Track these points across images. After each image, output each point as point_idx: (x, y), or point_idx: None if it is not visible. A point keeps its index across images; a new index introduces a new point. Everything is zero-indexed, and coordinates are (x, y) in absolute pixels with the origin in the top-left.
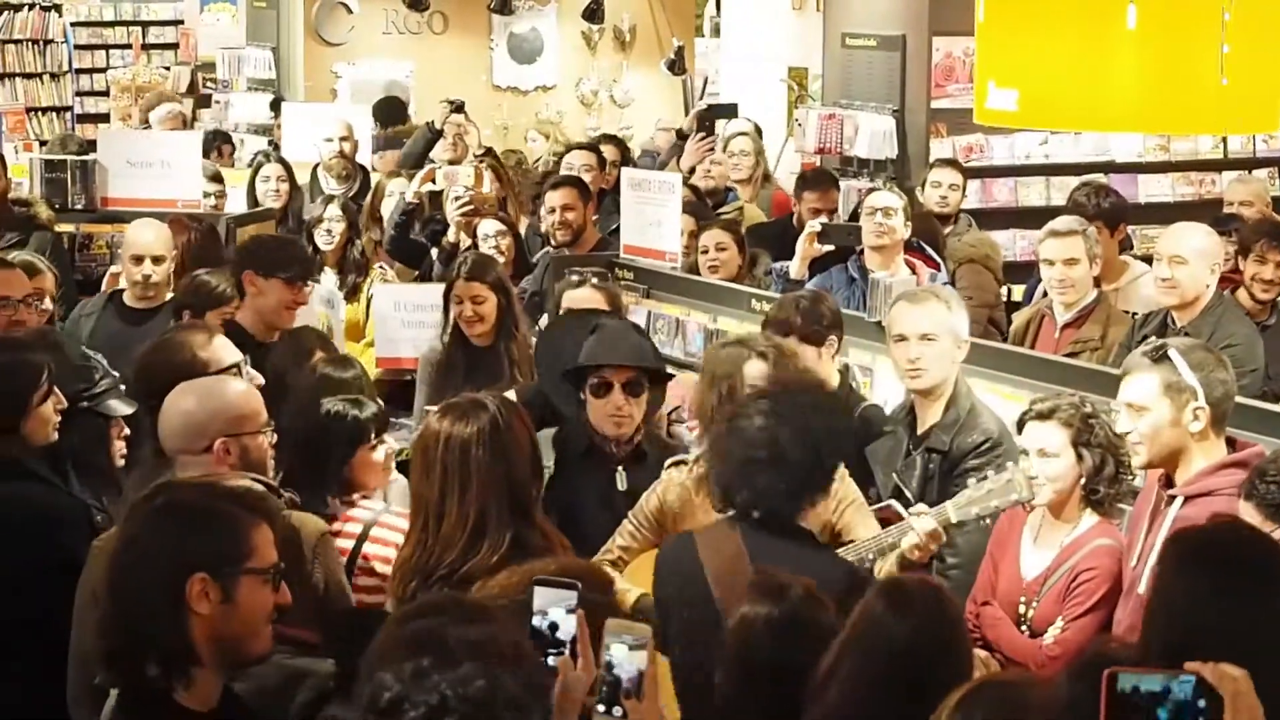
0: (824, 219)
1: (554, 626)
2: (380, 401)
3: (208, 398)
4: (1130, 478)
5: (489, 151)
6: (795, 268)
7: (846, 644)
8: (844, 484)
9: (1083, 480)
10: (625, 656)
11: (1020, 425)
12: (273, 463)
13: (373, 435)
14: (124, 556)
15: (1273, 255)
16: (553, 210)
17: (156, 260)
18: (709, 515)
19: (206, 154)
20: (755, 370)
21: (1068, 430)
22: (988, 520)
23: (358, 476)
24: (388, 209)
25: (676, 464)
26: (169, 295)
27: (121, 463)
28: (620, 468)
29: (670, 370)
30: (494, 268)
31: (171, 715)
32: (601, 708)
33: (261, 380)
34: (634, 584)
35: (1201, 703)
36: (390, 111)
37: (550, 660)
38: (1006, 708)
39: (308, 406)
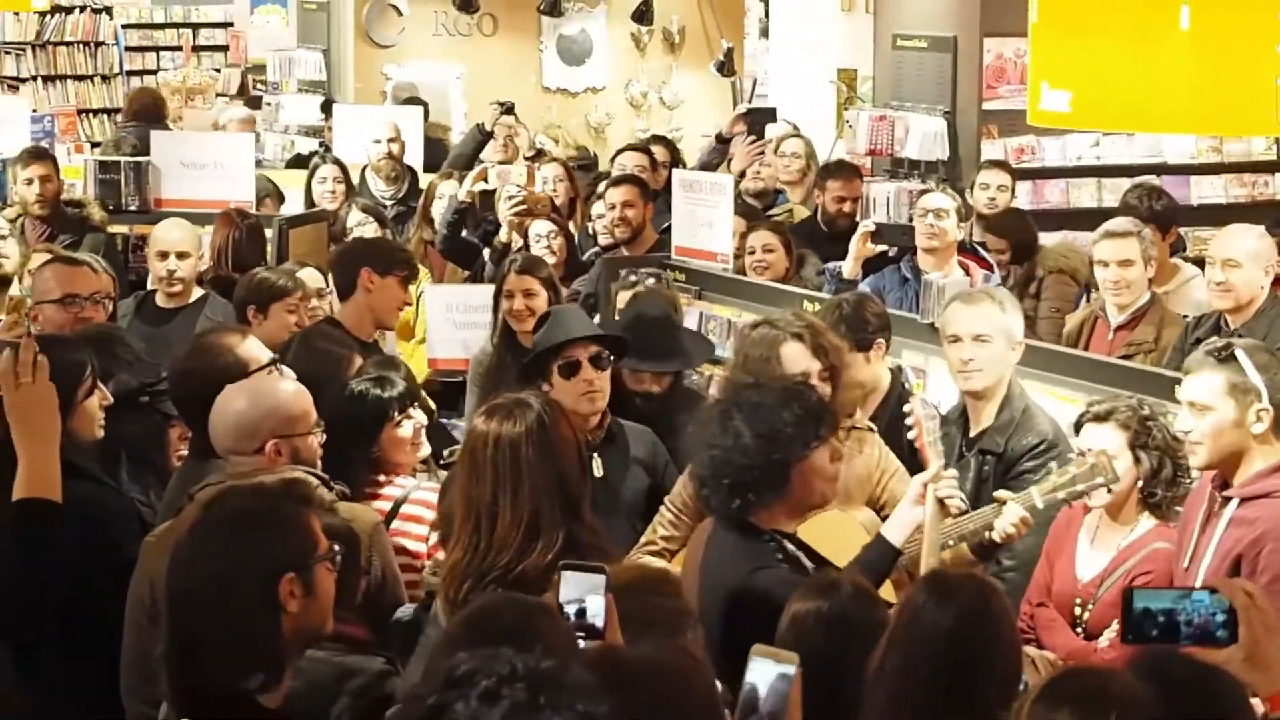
0: (848, 206)
1: (583, 611)
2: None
3: (260, 398)
4: (1188, 480)
5: (539, 153)
6: (848, 267)
7: (892, 639)
8: (886, 456)
9: (1140, 483)
10: (775, 685)
11: (1078, 427)
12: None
13: (396, 412)
14: (207, 572)
15: None
16: (613, 207)
17: (181, 256)
18: None
19: None
20: (793, 351)
21: (1125, 432)
22: (1071, 504)
23: (388, 455)
24: (438, 211)
25: None
26: (196, 294)
27: (178, 463)
28: (594, 455)
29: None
30: (544, 265)
31: (257, 717)
32: None
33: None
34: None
35: (1218, 616)
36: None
37: (580, 644)
38: (1091, 698)
39: (332, 392)
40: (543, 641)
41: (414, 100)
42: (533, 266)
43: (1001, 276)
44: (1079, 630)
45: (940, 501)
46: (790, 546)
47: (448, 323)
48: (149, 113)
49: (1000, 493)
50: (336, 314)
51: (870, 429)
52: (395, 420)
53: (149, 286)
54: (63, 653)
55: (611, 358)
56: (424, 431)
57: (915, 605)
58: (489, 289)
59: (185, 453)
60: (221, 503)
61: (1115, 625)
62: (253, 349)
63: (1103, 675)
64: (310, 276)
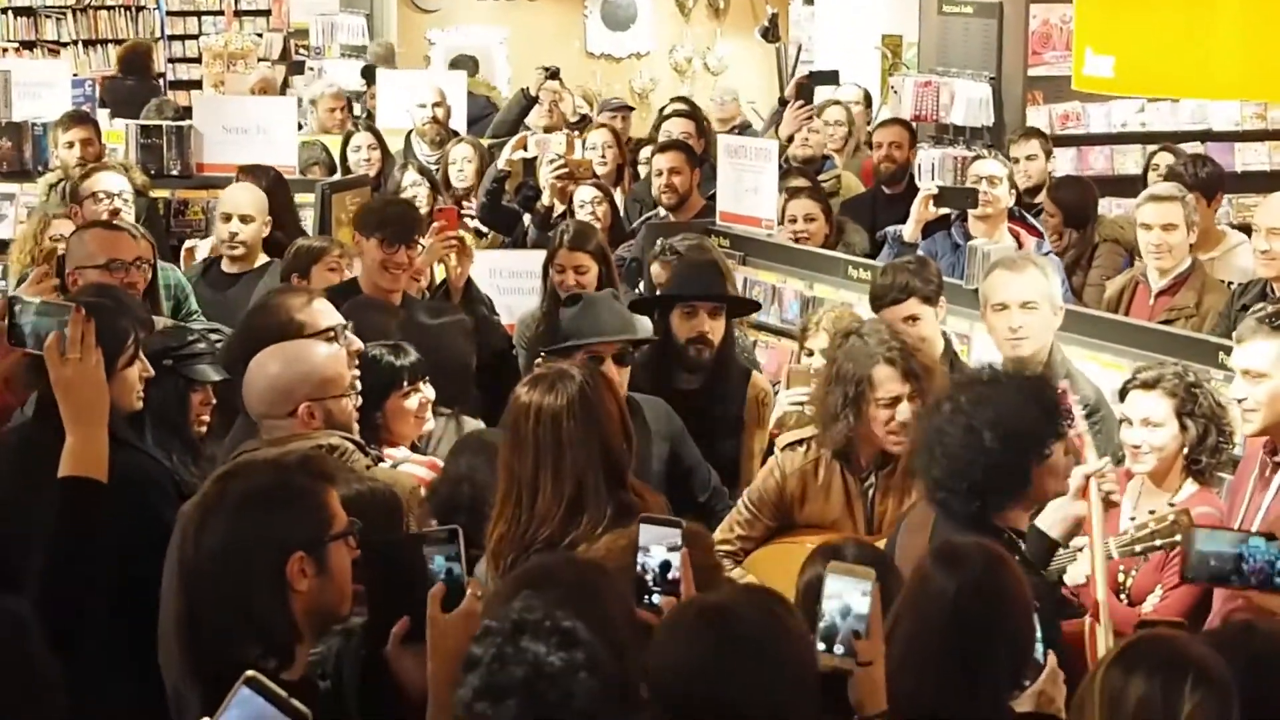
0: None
1: (664, 565)
2: None
3: (293, 362)
4: (1231, 448)
5: (584, 119)
6: (909, 230)
7: (902, 607)
8: None
9: (1185, 450)
10: (855, 599)
11: (1123, 394)
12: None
13: (406, 383)
14: (215, 549)
15: None
16: (660, 173)
17: (245, 219)
18: (830, 499)
19: None
20: (884, 374)
21: (1172, 400)
22: (1146, 557)
23: (391, 424)
24: (455, 177)
25: (792, 445)
26: (261, 259)
27: (204, 430)
28: None
29: (768, 337)
30: (595, 236)
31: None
32: (823, 646)
33: (360, 345)
34: (760, 578)
35: (1278, 564)
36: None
37: (656, 598)
38: (1168, 662)
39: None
40: (599, 599)
41: (461, 63)
42: (583, 240)
43: (1052, 243)
44: (1122, 597)
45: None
46: (1021, 545)
47: (492, 288)
48: (136, 66)
49: (1076, 540)
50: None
51: None
52: (404, 390)
53: (218, 256)
54: (107, 623)
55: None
56: (430, 408)
57: (923, 573)
58: (533, 255)
59: (207, 418)
60: (234, 478)
61: (1159, 591)
62: (316, 312)
63: (1178, 640)
64: None
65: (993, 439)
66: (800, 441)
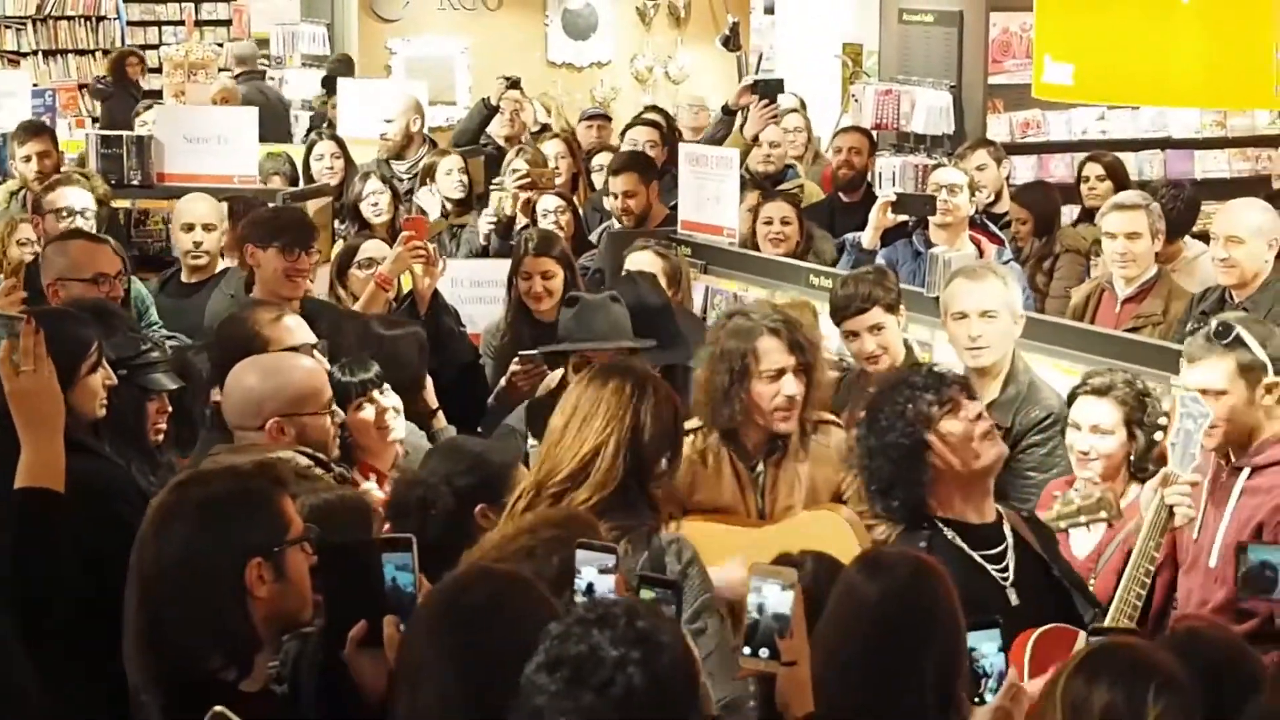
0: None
1: (591, 588)
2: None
3: (269, 375)
4: None
5: (544, 128)
6: (868, 238)
7: (827, 613)
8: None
9: (1132, 457)
10: (777, 598)
11: (1072, 398)
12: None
13: (356, 395)
14: (172, 556)
15: None
16: (615, 196)
17: (207, 228)
18: (721, 487)
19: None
20: (769, 345)
21: (1123, 409)
22: (1070, 532)
23: (357, 439)
24: (445, 186)
25: None
26: (220, 266)
27: (160, 438)
28: None
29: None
30: (559, 242)
31: (231, 701)
32: (748, 650)
33: (328, 366)
34: None
35: None
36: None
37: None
38: (1130, 670)
39: None
40: (510, 616)
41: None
42: (548, 246)
43: (1015, 250)
44: None
45: (1170, 507)
46: (949, 533)
47: (454, 298)
48: (118, 72)
49: None
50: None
51: (837, 424)
52: (355, 403)
53: (177, 259)
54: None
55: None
56: (391, 415)
57: (847, 579)
58: (495, 264)
59: (163, 426)
60: (190, 485)
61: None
62: (283, 329)
63: (1139, 648)
64: (376, 248)
65: (873, 436)
66: (688, 431)
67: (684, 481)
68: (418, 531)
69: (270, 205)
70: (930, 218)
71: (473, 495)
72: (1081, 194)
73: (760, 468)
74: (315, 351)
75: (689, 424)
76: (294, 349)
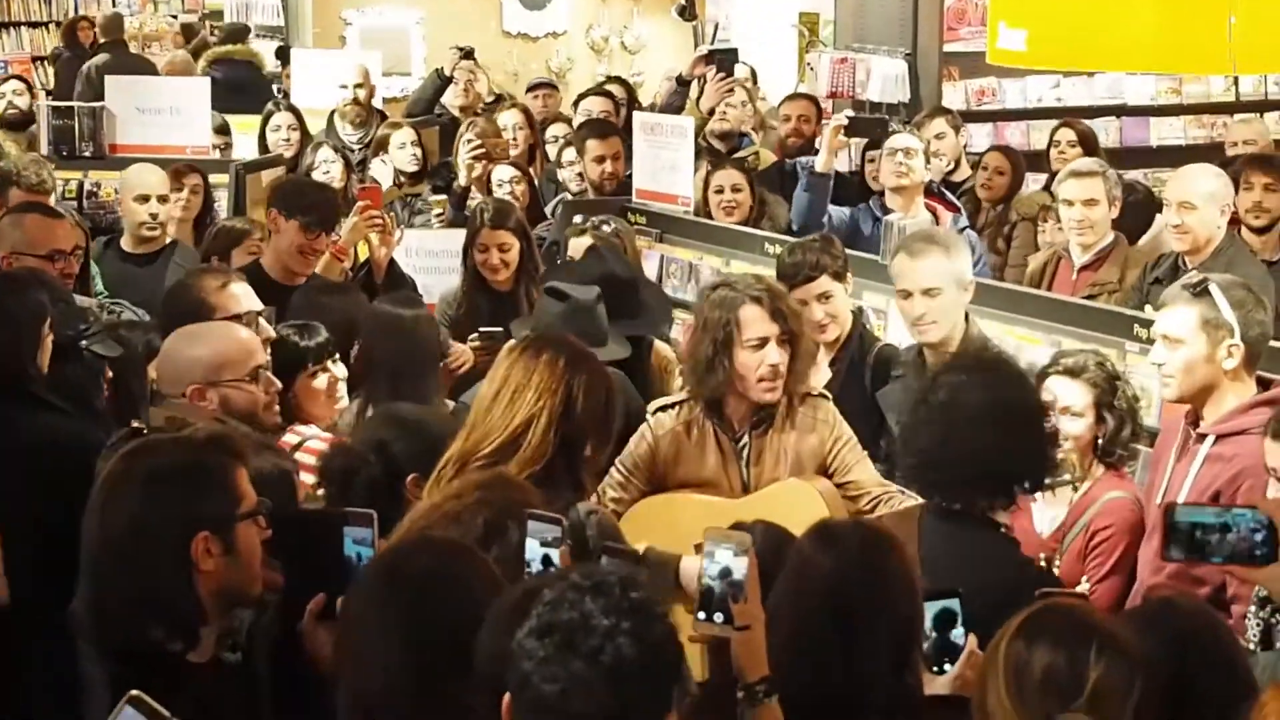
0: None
1: (545, 560)
2: None
3: (193, 343)
4: (1141, 443)
5: (499, 98)
6: (821, 160)
7: (782, 585)
8: (839, 424)
9: (1100, 440)
10: (731, 562)
11: (1042, 378)
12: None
13: (312, 363)
14: (118, 526)
15: (1258, 178)
16: (601, 159)
17: (161, 199)
18: (704, 460)
19: None
20: (751, 314)
21: (1094, 391)
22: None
23: (303, 405)
24: (400, 159)
25: (663, 408)
26: (169, 239)
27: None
28: None
29: (685, 315)
30: (514, 212)
31: (177, 673)
32: (702, 615)
33: (272, 333)
34: (631, 535)
35: (1259, 535)
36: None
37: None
38: (1071, 629)
39: None
40: (463, 584)
41: (236, 35)
42: (504, 218)
43: (977, 205)
44: None
45: None
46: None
47: (409, 268)
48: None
49: None
50: (261, 258)
51: (825, 396)
52: (310, 371)
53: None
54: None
55: None
56: (341, 385)
57: (801, 551)
58: (449, 234)
59: (106, 393)
60: (140, 454)
61: (1086, 584)
62: (229, 296)
63: (1079, 609)
64: None
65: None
66: (672, 405)
67: (668, 455)
68: (344, 498)
69: (311, 180)
70: (886, 185)
71: (407, 464)
72: (1051, 159)
73: (745, 440)
74: (261, 320)
75: (674, 397)
76: (239, 316)
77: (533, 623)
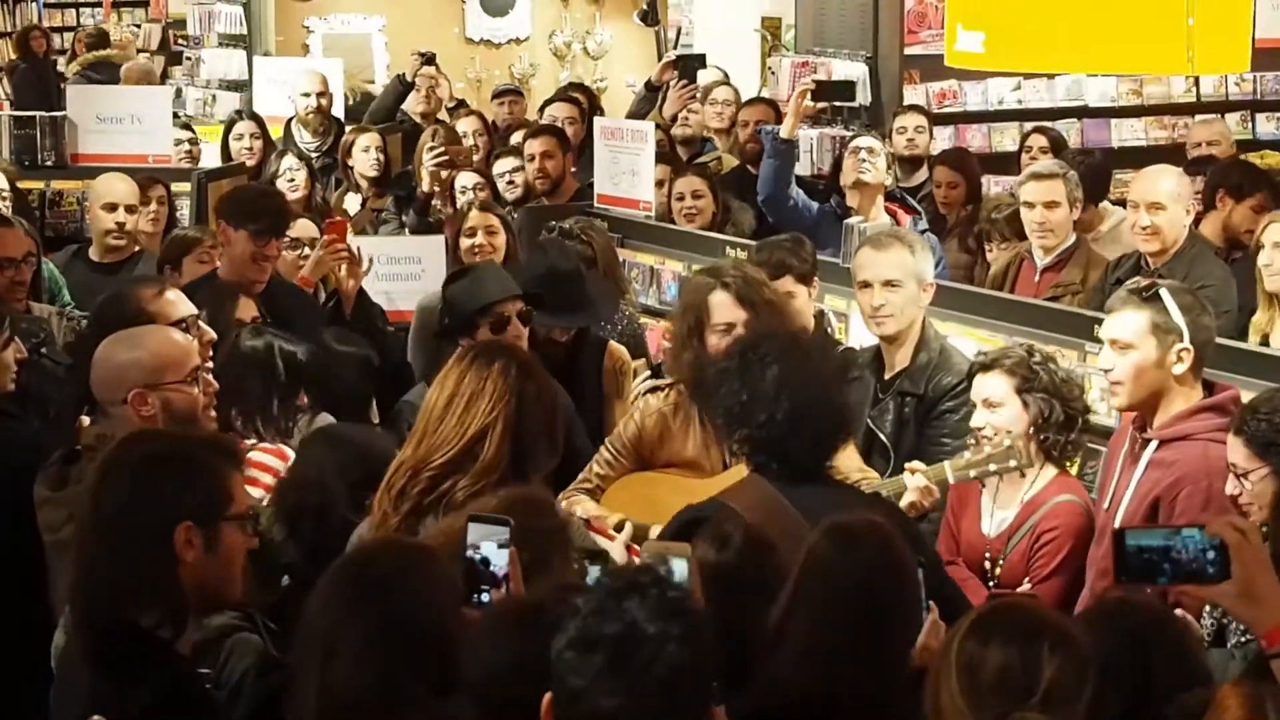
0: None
1: (486, 562)
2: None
3: (129, 347)
4: (1082, 424)
5: (460, 104)
6: (787, 126)
7: (796, 595)
8: None
9: (1032, 429)
10: (676, 570)
11: (970, 377)
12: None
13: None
14: (108, 508)
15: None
16: (532, 158)
17: (130, 209)
18: (687, 442)
19: None
20: (719, 299)
21: (1011, 379)
22: (984, 483)
23: None
24: (362, 164)
25: (653, 390)
26: (136, 247)
27: None
28: None
29: (647, 319)
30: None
31: (167, 659)
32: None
33: (213, 335)
34: (612, 509)
35: (1209, 554)
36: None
37: (485, 596)
38: (1021, 628)
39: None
40: (418, 584)
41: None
42: (491, 205)
43: (939, 216)
44: (991, 585)
45: None
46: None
47: (370, 274)
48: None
49: (913, 464)
50: (218, 269)
51: None
52: None
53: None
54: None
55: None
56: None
57: (821, 557)
58: (411, 240)
59: None
60: (138, 441)
61: (1027, 584)
62: (166, 303)
63: (1030, 607)
64: (304, 228)
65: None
66: (660, 387)
67: (653, 435)
68: (317, 533)
69: (254, 186)
70: (846, 182)
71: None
72: (1022, 164)
73: None
74: (200, 322)
75: (663, 380)
76: (178, 323)
77: (572, 634)
